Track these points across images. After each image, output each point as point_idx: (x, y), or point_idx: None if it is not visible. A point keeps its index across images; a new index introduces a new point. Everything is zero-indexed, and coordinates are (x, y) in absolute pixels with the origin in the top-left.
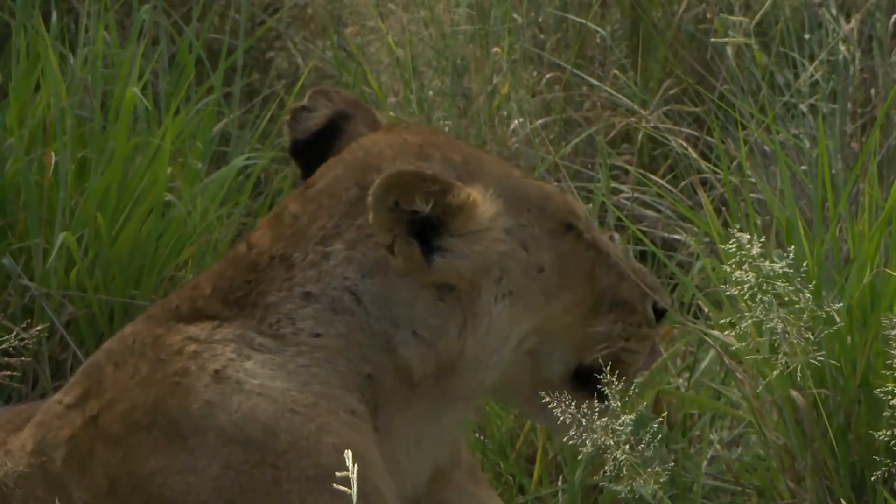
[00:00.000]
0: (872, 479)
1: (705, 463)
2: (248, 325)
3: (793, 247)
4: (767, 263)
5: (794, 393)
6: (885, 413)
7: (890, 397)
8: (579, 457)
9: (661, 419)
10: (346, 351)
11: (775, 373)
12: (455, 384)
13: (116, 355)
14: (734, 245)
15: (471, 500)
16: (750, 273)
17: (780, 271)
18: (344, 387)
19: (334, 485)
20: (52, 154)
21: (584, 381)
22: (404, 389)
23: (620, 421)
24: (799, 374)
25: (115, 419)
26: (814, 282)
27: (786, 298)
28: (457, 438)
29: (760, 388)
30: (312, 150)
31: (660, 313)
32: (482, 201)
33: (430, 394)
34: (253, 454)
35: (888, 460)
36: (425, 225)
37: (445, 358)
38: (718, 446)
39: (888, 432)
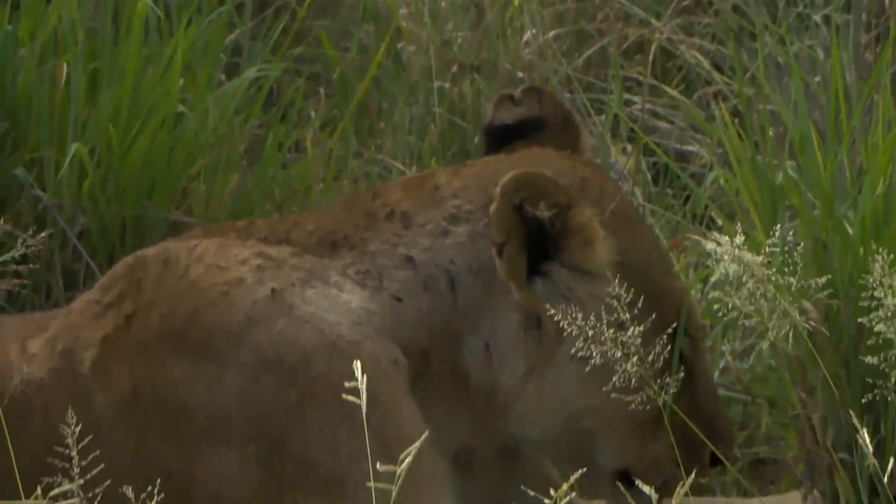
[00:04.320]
0: (876, 393)
1: (717, 373)
2: (330, 265)
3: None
4: (749, 256)
5: (805, 304)
6: (869, 341)
7: (875, 322)
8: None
9: (670, 330)
10: (418, 325)
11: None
12: (500, 426)
13: (171, 253)
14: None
15: None
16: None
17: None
18: (395, 341)
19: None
20: (64, 66)
21: (630, 483)
22: (451, 388)
23: (630, 332)
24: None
25: (150, 323)
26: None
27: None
28: None
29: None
30: (500, 139)
31: (717, 461)
32: (603, 238)
33: (473, 414)
34: (283, 375)
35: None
36: (542, 249)
37: (502, 391)
38: (730, 357)
39: (881, 356)
